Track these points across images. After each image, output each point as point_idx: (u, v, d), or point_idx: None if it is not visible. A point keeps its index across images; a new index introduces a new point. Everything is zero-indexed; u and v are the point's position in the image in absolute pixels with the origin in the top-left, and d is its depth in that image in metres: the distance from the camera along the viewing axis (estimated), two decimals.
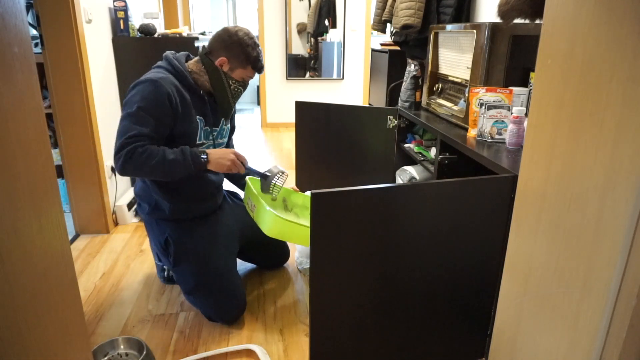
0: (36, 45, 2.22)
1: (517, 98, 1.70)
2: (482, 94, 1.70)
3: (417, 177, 2.33)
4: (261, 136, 4.98)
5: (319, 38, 5.16)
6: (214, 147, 1.75)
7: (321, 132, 2.60)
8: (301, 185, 2.80)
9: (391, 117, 2.42)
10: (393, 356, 1.40)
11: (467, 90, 1.88)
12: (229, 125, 1.87)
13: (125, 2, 2.57)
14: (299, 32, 5.13)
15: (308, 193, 2.02)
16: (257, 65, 1.66)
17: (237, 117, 1.86)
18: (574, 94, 0.90)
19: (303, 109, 2.59)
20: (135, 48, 2.66)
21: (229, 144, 1.91)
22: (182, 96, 1.58)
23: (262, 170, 1.74)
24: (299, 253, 2.16)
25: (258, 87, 5.76)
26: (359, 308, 1.30)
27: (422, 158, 2.27)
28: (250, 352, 1.58)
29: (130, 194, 2.74)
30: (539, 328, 1.05)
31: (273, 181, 1.71)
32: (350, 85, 5.37)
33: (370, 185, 1.17)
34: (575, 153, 0.90)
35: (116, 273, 2.09)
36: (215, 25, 7.24)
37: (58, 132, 2.29)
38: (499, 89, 1.69)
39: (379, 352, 1.38)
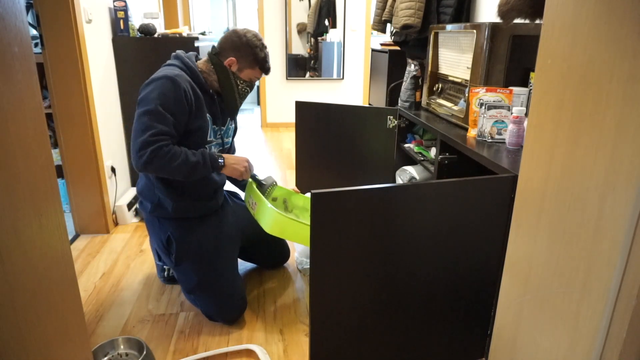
0: (36, 45, 2.22)
1: (517, 98, 1.70)
2: (482, 94, 1.70)
3: (417, 177, 2.33)
4: (261, 136, 4.98)
5: (319, 38, 5.16)
6: (221, 145, 1.78)
7: (321, 132, 2.60)
8: (301, 185, 2.80)
9: (391, 117, 2.42)
10: (393, 356, 1.40)
11: (467, 90, 1.88)
12: (233, 125, 1.90)
13: (125, 2, 2.57)
14: (299, 32, 5.13)
15: (308, 195, 2.03)
16: (264, 66, 1.70)
17: (238, 117, 1.89)
18: (574, 94, 0.90)
19: (303, 109, 2.59)
20: (135, 48, 2.66)
21: (231, 145, 1.92)
22: (196, 93, 1.60)
23: (259, 177, 1.87)
24: (298, 253, 2.16)
25: (258, 87, 5.76)
26: (359, 308, 1.30)
27: (422, 158, 2.27)
28: (250, 352, 1.58)
29: (130, 194, 2.74)
30: (539, 328, 1.05)
31: (267, 191, 1.85)
32: (350, 85, 5.37)
33: (370, 185, 1.17)
34: (575, 153, 0.90)
35: (116, 273, 2.09)
36: (215, 25, 7.24)
37: (58, 132, 2.29)
38: (499, 89, 1.69)
39: (379, 352, 1.38)
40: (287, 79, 5.24)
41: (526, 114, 1.55)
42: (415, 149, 2.36)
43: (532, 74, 1.75)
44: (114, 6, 2.58)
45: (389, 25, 2.79)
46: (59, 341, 0.84)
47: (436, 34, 2.24)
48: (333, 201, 1.16)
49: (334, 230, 1.18)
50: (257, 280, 2.04)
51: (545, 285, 1.02)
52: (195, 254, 1.70)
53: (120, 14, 2.59)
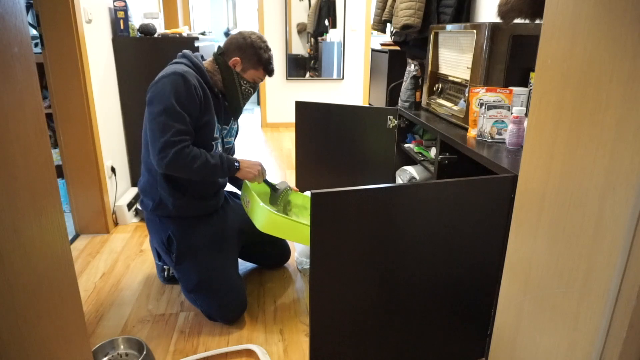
0: (36, 45, 2.22)
1: (517, 98, 1.70)
2: (482, 94, 1.70)
3: (417, 177, 2.33)
4: (261, 136, 4.98)
5: (319, 38, 5.16)
6: (222, 144, 1.80)
7: (321, 132, 2.60)
8: (301, 185, 2.80)
9: (391, 117, 2.42)
10: (393, 356, 1.40)
11: (467, 90, 1.88)
12: (236, 126, 1.91)
13: (125, 2, 2.57)
14: (299, 32, 5.13)
15: (307, 193, 2.04)
16: (268, 67, 1.73)
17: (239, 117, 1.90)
18: (574, 94, 0.90)
19: (303, 109, 2.59)
20: (135, 48, 2.66)
21: (232, 146, 1.92)
22: (204, 90, 1.62)
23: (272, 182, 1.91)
24: (298, 253, 2.16)
25: (258, 87, 5.76)
26: (359, 308, 1.30)
27: (422, 158, 2.27)
28: (250, 352, 1.58)
29: (130, 194, 2.74)
30: (539, 328, 1.05)
31: (280, 195, 1.89)
32: (350, 85, 5.37)
33: (370, 185, 1.17)
34: (575, 153, 0.90)
35: (116, 273, 2.09)
36: (215, 25, 7.24)
37: (58, 132, 2.29)
38: (499, 89, 1.69)
39: (378, 352, 1.38)
40: (287, 79, 5.24)
41: (526, 114, 1.55)
42: (415, 149, 2.36)
43: (532, 74, 1.75)
44: (114, 6, 2.58)
45: (389, 25, 2.79)
46: (59, 341, 0.84)
47: (436, 34, 2.24)
48: (333, 201, 1.16)
49: (334, 230, 1.18)
50: (257, 280, 2.04)
51: (545, 285, 1.02)
52: (196, 253, 1.70)
53: (120, 14, 2.59)
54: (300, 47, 5.19)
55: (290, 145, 4.54)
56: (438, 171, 1.92)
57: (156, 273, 2.06)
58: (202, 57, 1.73)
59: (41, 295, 0.77)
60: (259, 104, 6.11)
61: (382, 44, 3.51)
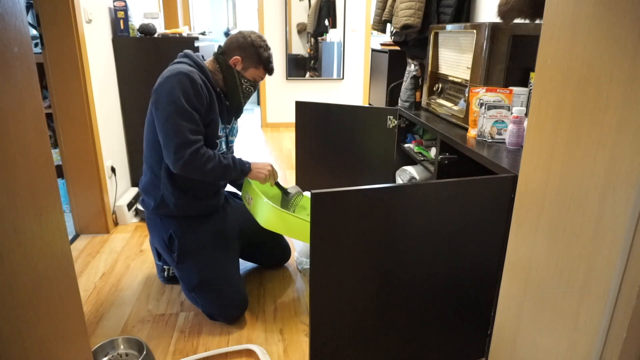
0: (36, 45, 2.22)
1: (517, 98, 1.70)
2: (482, 94, 1.70)
3: (417, 177, 2.33)
4: (261, 136, 4.98)
5: (319, 38, 5.16)
6: (226, 143, 1.82)
7: (321, 132, 2.60)
8: (301, 185, 2.80)
9: (391, 117, 2.42)
10: (393, 356, 1.40)
11: (467, 90, 1.88)
12: (237, 126, 1.93)
13: (125, 2, 2.57)
14: (299, 32, 5.13)
15: (307, 194, 2.04)
16: (268, 66, 1.76)
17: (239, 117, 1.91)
18: (574, 94, 0.90)
19: (303, 109, 2.59)
20: (135, 48, 2.66)
21: (233, 145, 1.93)
22: (208, 89, 1.64)
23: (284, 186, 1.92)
24: (298, 253, 2.16)
25: (258, 87, 5.76)
26: (359, 308, 1.30)
27: (422, 158, 2.27)
28: (250, 352, 1.58)
29: (130, 194, 2.74)
30: (539, 328, 1.05)
31: (292, 199, 1.88)
32: (350, 85, 5.37)
33: (370, 185, 1.17)
34: (575, 153, 0.90)
35: (116, 273, 2.09)
36: (215, 25, 7.24)
37: (58, 132, 2.29)
38: (499, 89, 1.69)
39: (378, 352, 1.38)
40: (287, 79, 5.24)
41: (526, 114, 1.55)
42: (415, 149, 2.36)
43: (532, 74, 1.75)
44: (114, 6, 2.58)
45: (389, 25, 2.79)
46: (59, 341, 0.84)
47: (436, 34, 2.24)
48: (333, 201, 1.16)
49: (334, 230, 1.18)
50: (257, 280, 2.04)
51: (545, 285, 1.02)
52: (197, 252, 1.71)
53: (120, 14, 2.59)
54: (300, 47, 5.19)
55: (290, 145, 4.54)
56: (438, 171, 1.92)
57: (156, 273, 2.06)
58: (202, 57, 1.73)
59: (41, 295, 0.77)
60: (259, 104, 6.11)
61: (382, 44, 3.51)
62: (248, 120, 5.81)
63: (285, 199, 1.89)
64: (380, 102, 3.48)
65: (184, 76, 1.54)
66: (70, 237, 2.44)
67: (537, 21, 1.48)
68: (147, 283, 2.00)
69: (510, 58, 1.75)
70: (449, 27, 2.10)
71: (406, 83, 2.49)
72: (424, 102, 2.38)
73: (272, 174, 1.77)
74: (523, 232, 1.11)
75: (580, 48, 0.88)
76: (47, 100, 2.40)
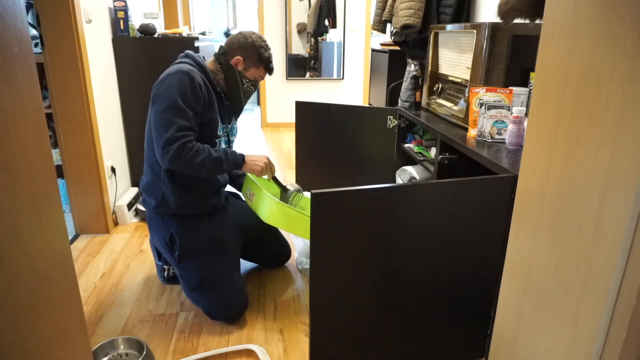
0: (36, 45, 2.22)
1: (517, 98, 1.70)
2: (482, 94, 1.70)
3: (417, 177, 2.33)
4: (261, 136, 4.98)
5: (319, 38, 5.16)
6: (227, 142, 1.83)
7: (321, 132, 2.60)
8: (301, 185, 2.79)
9: (391, 117, 2.42)
10: (393, 356, 1.40)
11: (467, 90, 1.88)
12: (236, 126, 1.94)
13: (125, 2, 2.57)
14: (299, 32, 5.13)
15: (307, 194, 2.04)
16: (268, 66, 1.79)
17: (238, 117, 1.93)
18: (574, 94, 0.90)
19: (303, 109, 2.59)
20: (135, 48, 2.66)
21: (232, 144, 1.94)
22: (208, 88, 1.65)
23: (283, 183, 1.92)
24: (298, 253, 2.16)
25: (258, 88, 5.75)
26: (359, 308, 1.30)
27: (422, 158, 2.27)
28: (250, 352, 1.58)
29: (130, 194, 2.74)
30: (539, 328, 1.05)
31: (291, 196, 1.89)
32: (350, 85, 5.37)
33: (370, 185, 1.17)
34: (575, 153, 0.90)
35: (116, 273, 2.09)
36: (215, 25, 7.23)
37: (58, 132, 2.29)
38: (499, 89, 1.69)
39: (378, 352, 1.38)
40: (287, 79, 5.24)
41: (526, 114, 1.55)
42: (415, 149, 2.36)
43: (532, 74, 1.75)
44: (114, 6, 2.58)
45: (389, 25, 2.79)
46: (59, 341, 0.84)
47: (436, 34, 2.24)
48: (333, 201, 1.16)
49: (334, 230, 1.18)
50: (257, 280, 2.04)
51: (545, 285, 1.02)
52: (199, 251, 1.71)
53: (120, 14, 2.59)
54: (300, 47, 5.19)
55: (290, 145, 4.54)
56: (438, 171, 1.92)
57: (156, 273, 2.06)
58: (203, 57, 1.75)
59: (41, 295, 0.77)
60: (259, 104, 6.11)
61: (382, 44, 3.51)
62: (248, 120, 5.81)
63: (284, 196, 1.89)
64: (380, 102, 3.48)
65: (184, 74, 1.56)
66: (70, 237, 2.44)
67: (537, 21, 1.48)
68: (147, 283, 2.00)
69: (510, 58, 1.75)
70: (449, 27, 2.10)
71: (406, 83, 2.49)
72: (424, 102, 2.38)
73: (269, 167, 1.75)
74: (523, 232, 1.11)
75: (580, 48, 0.88)
76: (47, 100, 2.40)
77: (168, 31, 2.85)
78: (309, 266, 1.32)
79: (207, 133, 1.66)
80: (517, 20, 1.49)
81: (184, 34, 2.82)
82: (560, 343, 0.97)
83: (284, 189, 1.90)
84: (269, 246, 2.08)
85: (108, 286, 1.98)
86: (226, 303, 1.69)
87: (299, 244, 2.20)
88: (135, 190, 2.83)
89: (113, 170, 2.59)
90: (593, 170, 0.85)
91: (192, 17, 5.50)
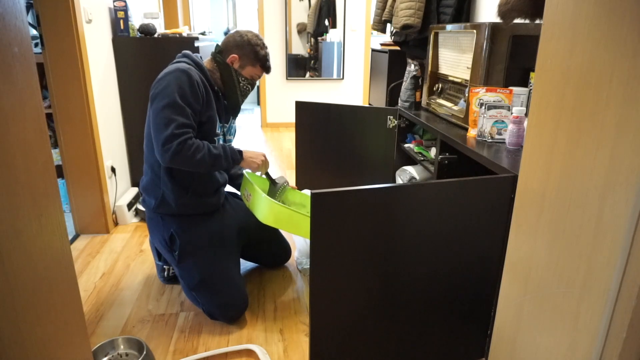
0: (36, 45, 2.22)
1: (517, 98, 1.70)
2: (482, 94, 1.70)
3: (417, 177, 2.33)
4: (261, 136, 4.98)
5: (319, 38, 5.16)
6: (224, 141, 1.84)
7: (321, 132, 2.60)
8: (301, 185, 2.80)
9: (391, 117, 2.42)
10: (393, 356, 1.40)
11: (467, 90, 1.88)
12: (235, 125, 1.95)
13: (125, 2, 2.57)
14: (299, 32, 5.13)
15: (306, 191, 2.04)
16: (265, 64, 1.78)
17: (238, 117, 1.95)
18: (574, 94, 0.90)
19: (303, 109, 2.59)
20: (135, 48, 2.66)
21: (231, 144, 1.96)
22: (206, 87, 1.67)
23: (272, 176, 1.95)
24: (298, 253, 2.16)
25: (258, 87, 5.76)
26: (359, 308, 1.30)
27: (422, 158, 2.27)
28: (250, 352, 1.58)
29: (130, 194, 2.74)
30: (539, 328, 1.05)
31: (279, 190, 1.93)
32: (350, 85, 5.37)
33: (370, 186, 1.17)
34: (575, 153, 0.90)
35: (116, 273, 2.09)
36: (215, 25, 7.23)
37: (58, 132, 2.29)
38: (499, 89, 1.69)
39: (379, 352, 1.38)
40: (287, 79, 5.24)
41: (526, 114, 1.55)
42: (415, 149, 2.36)
43: (532, 74, 1.75)
44: (114, 6, 2.58)
45: (389, 25, 2.79)
46: (59, 341, 0.84)
47: (436, 34, 2.24)
48: (333, 201, 1.16)
49: (334, 230, 1.18)
50: (257, 280, 2.04)
51: (545, 285, 1.02)
52: (199, 251, 1.71)
53: (120, 14, 2.59)
54: (300, 47, 5.19)
55: (290, 145, 4.54)
56: (438, 171, 1.92)
57: (156, 273, 2.06)
58: (200, 57, 1.75)
59: (41, 295, 0.77)
60: (258, 104, 6.11)
61: (382, 44, 3.51)
62: (248, 120, 5.81)
63: (273, 189, 1.91)
64: (380, 102, 3.48)
65: (182, 73, 1.57)
66: (70, 237, 2.44)
67: (537, 21, 1.48)
68: (147, 283, 2.00)
69: (510, 58, 1.75)
70: (449, 27, 2.10)
71: (406, 83, 2.49)
72: (424, 102, 2.38)
73: (265, 163, 1.78)
74: (523, 232, 1.11)
75: (580, 48, 0.88)
76: (47, 100, 2.40)
77: (168, 31, 2.85)
78: (308, 266, 1.32)
79: (205, 132, 1.67)
80: (517, 20, 1.49)
81: (184, 34, 2.82)
82: (560, 343, 0.97)
83: (272, 182, 1.93)
84: (269, 246, 2.08)
85: (108, 286, 1.98)
86: (226, 303, 1.69)
87: (299, 244, 2.20)
88: (135, 190, 2.83)
89: (113, 170, 2.59)
90: (593, 170, 0.85)
91: (192, 17, 5.50)
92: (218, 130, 1.74)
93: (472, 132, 1.78)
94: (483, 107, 1.66)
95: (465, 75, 1.94)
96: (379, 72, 3.53)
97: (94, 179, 2.39)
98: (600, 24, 0.82)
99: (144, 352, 1.43)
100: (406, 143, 2.52)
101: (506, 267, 1.20)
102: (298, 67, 5.24)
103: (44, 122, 0.79)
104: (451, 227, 1.28)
